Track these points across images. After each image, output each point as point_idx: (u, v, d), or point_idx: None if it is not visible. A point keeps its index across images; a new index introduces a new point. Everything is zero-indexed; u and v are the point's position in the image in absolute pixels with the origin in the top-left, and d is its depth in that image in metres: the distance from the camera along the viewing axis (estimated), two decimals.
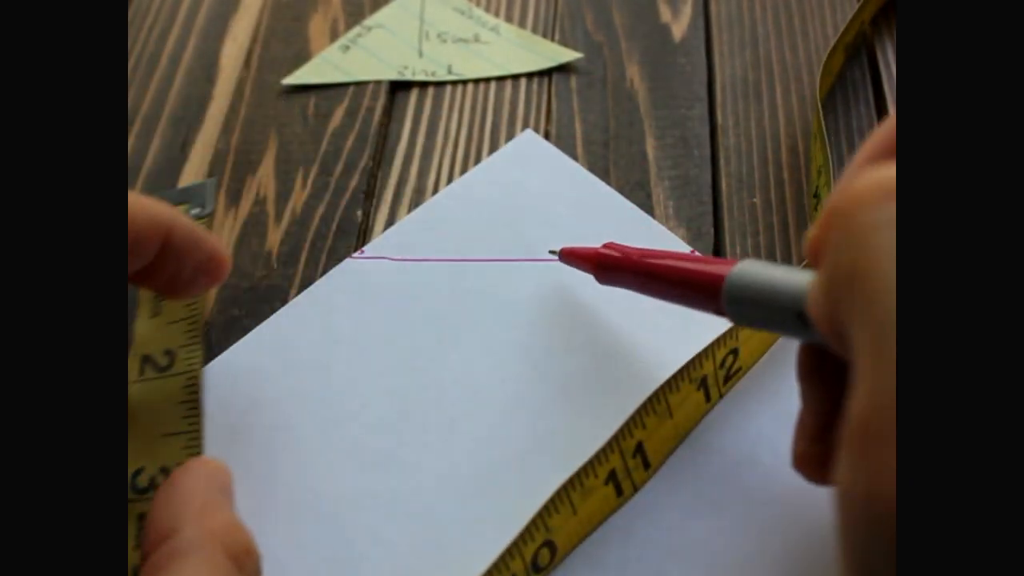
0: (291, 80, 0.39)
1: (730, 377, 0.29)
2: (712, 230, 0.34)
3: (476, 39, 0.40)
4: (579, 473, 0.25)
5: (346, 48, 0.40)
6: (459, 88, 0.39)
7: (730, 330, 0.28)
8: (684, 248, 0.33)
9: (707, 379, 0.28)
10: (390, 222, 0.35)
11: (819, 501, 0.28)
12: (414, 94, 0.39)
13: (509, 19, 0.42)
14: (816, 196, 0.33)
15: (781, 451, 0.29)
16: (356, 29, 0.41)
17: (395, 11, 0.42)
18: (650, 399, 0.27)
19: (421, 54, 0.40)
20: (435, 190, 0.36)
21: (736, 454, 0.29)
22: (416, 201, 0.35)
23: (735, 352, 0.29)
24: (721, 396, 0.30)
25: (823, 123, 0.34)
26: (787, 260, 0.34)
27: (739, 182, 0.36)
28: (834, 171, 0.32)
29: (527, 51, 0.40)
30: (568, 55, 0.40)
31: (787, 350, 0.31)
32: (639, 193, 0.35)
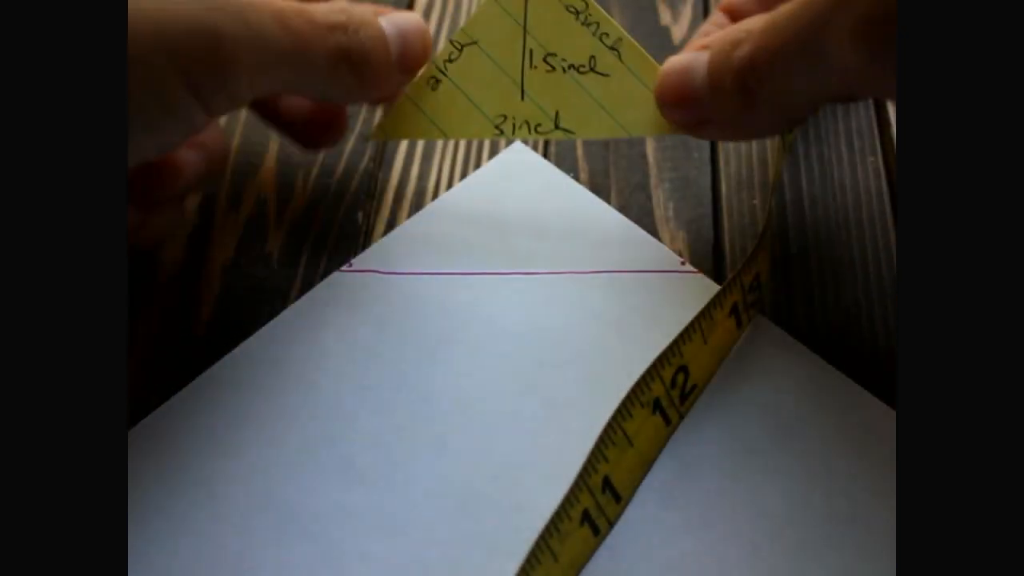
0: (380, 135, 0.33)
1: (686, 396, 0.29)
2: (712, 232, 0.35)
3: (592, 66, 0.31)
4: (554, 518, 0.25)
5: (436, 83, 0.32)
6: None
7: (672, 347, 0.28)
8: (675, 262, 0.33)
9: (660, 401, 0.28)
10: (391, 224, 0.35)
11: (809, 515, 0.28)
12: None
13: None
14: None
15: (771, 466, 0.29)
16: (446, 47, 0.32)
17: (491, 14, 0.32)
18: (605, 431, 0.26)
19: (524, 95, 0.32)
20: (436, 192, 0.36)
21: (725, 468, 0.29)
22: (417, 203, 0.35)
23: (684, 370, 0.29)
24: (682, 417, 0.29)
25: (783, 138, 0.34)
26: (786, 260, 0.34)
27: (738, 183, 0.36)
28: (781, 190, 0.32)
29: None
30: None
31: (773, 363, 0.31)
32: (639, 195, 0.35)
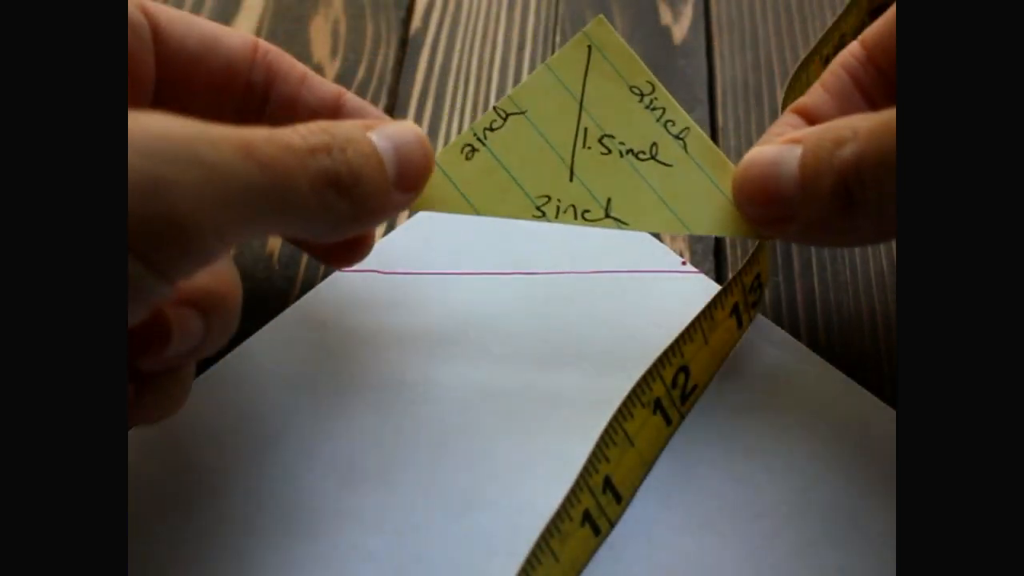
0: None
1: (687, 396, 0.29)
2: None
3: (654, 153, 0.28)
4: (555, 519, 0.25)
5: (472, 152, 0.29)
6: (460, 90, 0.39)
7: (673, 347, 0.28)
8: (676, 262, 0.33)
9: (661, 401, 0.28)
10: (390, 225, 0.35)
11: (810, 515, 0.28)
12: (415, 95, 0.39)
13: (510, 22, 0.42)
14: None
15: (772, 466, 0.29)
16: (488, 114, 0.29)
17: (544, 83, 0.29)
18: (606, 431, 0.26)
19: (573, 176, 0.29)
20: None
21: (726, 469, 0.29)
22: None
23: (685, 370, 0.29)
24: (683, 417, 0.29)
25: None
26: (787, 260, 0.34)
27: None
28: None
29: (721, 195, 0.28)
30: None
31: (773, 363, 0.31)
32: None
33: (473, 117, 0.38)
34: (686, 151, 0.28)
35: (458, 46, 0.41)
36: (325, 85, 0.29)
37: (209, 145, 0.21)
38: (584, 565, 0.27)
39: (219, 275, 0.25)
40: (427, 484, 0.28)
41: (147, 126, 0.21)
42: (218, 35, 0.28)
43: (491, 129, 0.29)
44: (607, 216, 0.28)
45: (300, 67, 0.29)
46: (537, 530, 0.25)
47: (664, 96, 0.29)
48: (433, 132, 0.38)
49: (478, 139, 0.29)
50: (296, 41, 0.41)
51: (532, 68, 0.40)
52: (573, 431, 0.29)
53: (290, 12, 0.43)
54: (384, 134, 0.26)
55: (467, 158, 0.28)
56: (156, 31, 0.26)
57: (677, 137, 0.28)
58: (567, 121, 0.29)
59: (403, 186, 0.26)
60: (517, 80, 0.40)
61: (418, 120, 0.38)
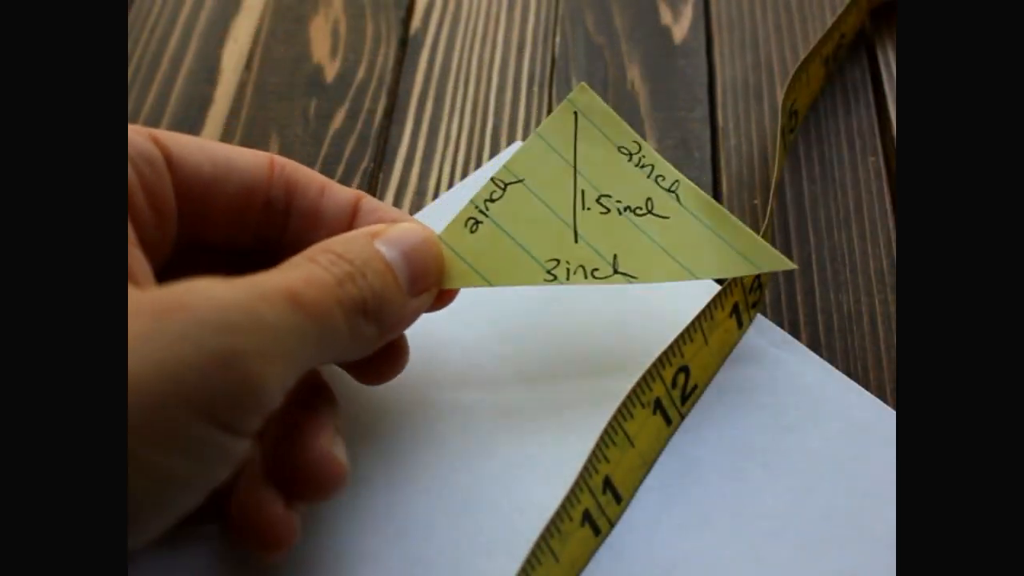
0: None
1: (687, 396, 0.29)
2: None
3: (649, 208, 0.29)
4: (555, 519, 0.25)
5: (475, 225, 0.28)
6: (460, 90, 0.39)
7: (673, 347, 0.28)
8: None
9: (661, 401, 0.28)
10: None
11: (810, 515, 0.28)
12: (415, 95, 0.39)
13: (510, 22, 0.42)
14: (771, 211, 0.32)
15: (772, 466, 0.29)
16: (487, 186, 0.29)
17: (537, 151, 0.29)
18: (606, 431, 0.26)
19: (577, 237, 0.29)
20: (436, 193, 0.36)
21: (725, 468, 0.29)
22: (417, 204, 0.35)
23: (685, 370, 0.29)
24: (683, 417, 0.29)
25: (784, 138, 0.34)
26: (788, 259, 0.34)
27: (739, 184, 0.36)
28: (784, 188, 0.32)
29: (719, 239, 0.29)
30: (781, 263, 0.29)
31: (773, 363, 0.31)
32: None
33: (473, 115, 0.38)
34: (679, 202, 0.29)
35: (458, 46, 0.41)
36: (343, 192, 0.28)
37: (267, 305, 0.22)
38: (584, 565, 0.27)
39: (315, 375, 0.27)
40: (427, 484, 0.28)
41: (210, 297, 0.21)
42: (231, 157, 0.27)
43: (491, 200, 0.28)
44: (616, 272, 0.28)
45: (319, 178, 0.28)
46: (537, 530, 0.25)
47: (651, 154, 0.29)
48: (433, 130, 0.38)
49: (480, 211, 0.28)
50: (296, 41, 0.41)
51: (532, 68, 0.40)
52: (573, 431, 0.29)
53: (290, 12, 0.43)
54: (390, 241, 0.26)
55: (471, 231, 0.28)
56: (169, 161, 0.26)
57: (669, 191, 0.29)
58: (564, 185, 0.29)
59: (416, 291, 0.26)
60: (517, 80, 0.40)
61: (418, 120, 0.38)
